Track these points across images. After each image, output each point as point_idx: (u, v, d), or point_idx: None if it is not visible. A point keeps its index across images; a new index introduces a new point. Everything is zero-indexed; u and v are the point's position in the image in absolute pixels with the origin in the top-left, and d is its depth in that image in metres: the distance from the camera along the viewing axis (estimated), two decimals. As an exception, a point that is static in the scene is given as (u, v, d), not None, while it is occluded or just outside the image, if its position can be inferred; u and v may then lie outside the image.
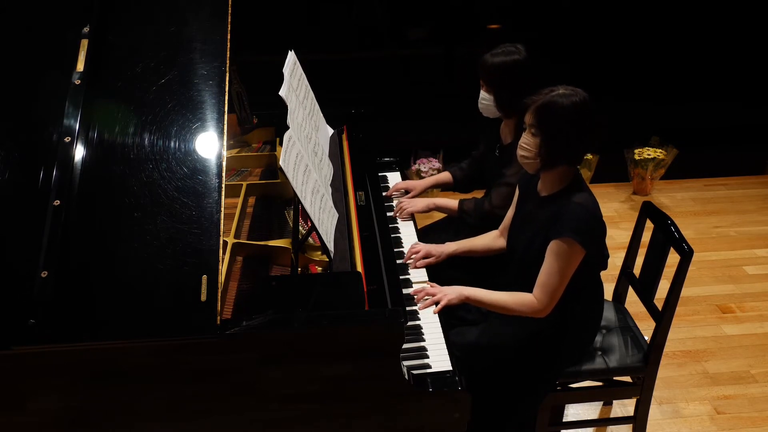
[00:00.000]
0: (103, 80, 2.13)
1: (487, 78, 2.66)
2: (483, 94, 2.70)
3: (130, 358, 1.81)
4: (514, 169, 2.56)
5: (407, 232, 2.74)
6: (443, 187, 3.11)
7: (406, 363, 1.99)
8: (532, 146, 2.18)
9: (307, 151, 2.35)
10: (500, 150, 2.76)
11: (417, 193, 2.97)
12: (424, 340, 2.17)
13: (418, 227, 2.80)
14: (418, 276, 2.47)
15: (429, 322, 2.24)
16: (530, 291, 2.23)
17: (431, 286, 2.33)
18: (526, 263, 2.26)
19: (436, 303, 2.26)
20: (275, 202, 2.62)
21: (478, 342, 2.36)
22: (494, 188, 2.71)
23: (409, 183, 3.00)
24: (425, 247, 2.53)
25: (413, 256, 2.52)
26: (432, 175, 4.35)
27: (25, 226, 1.91)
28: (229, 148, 2.84)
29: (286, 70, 2.46)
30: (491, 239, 2.56)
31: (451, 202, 2.83)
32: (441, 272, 2.54)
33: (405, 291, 2.34)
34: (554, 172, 2.21)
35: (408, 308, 2.25)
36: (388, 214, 2.80)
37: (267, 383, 1.86)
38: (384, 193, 2.93)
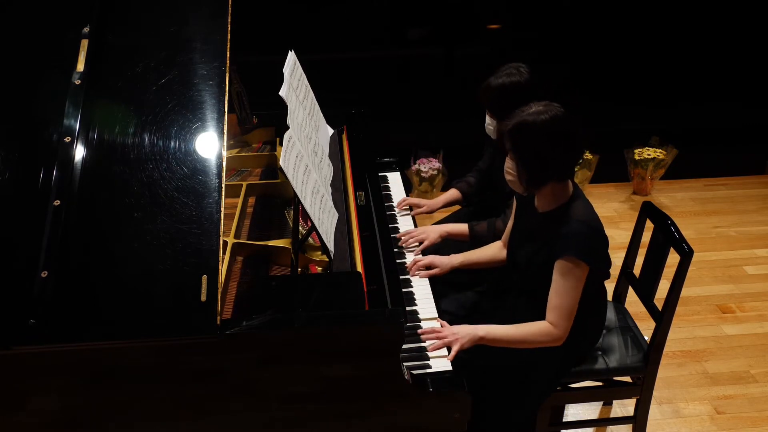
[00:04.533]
0: (103, 80, 2.13)
1: (487, 101, 2.62)
2: (488, 118, 2.67)
3: (130, 358, 1.81)
4: None
5: (407, 232, 2.73)
6: (454, 203, 3.06)
7: (406, 363, 1.99)
8: (513, 169, 2.15)
9: (307, 151, 2.35)
10: None
11: (429, 212, 2.90)
12: (424, 341, 2.16)
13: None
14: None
15: (429, 322, 2.24)
16: (536, 304, 2.20)
17: (441, 327, 2.20)
18: (529, 277, 2.25)
19: (449, 347, 2.13)
20: (275, 202, 2.62)
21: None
22: (509, 208, 2.67)
23: (420, 201, 2.91)
24: (429, 257, 2.48)
25: (418, 264, 2.46)
26: (431, 175, 4.36)
27: (25, 226, 1.91)
28: (229, 148, 2.84)
29: (286, 70, 2.46)
30: (497, 250, 2.52)
31: (462, 227, 2.73)
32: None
33: (405, 291, 2.34)
34: (546, 190, 2.18)
35: (408, 308, 2.25)
36: (388, 213, 2.80)
37: (267, 383, 1.86)
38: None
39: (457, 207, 3.16)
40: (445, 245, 2.76)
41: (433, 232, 2.67)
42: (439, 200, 3.00)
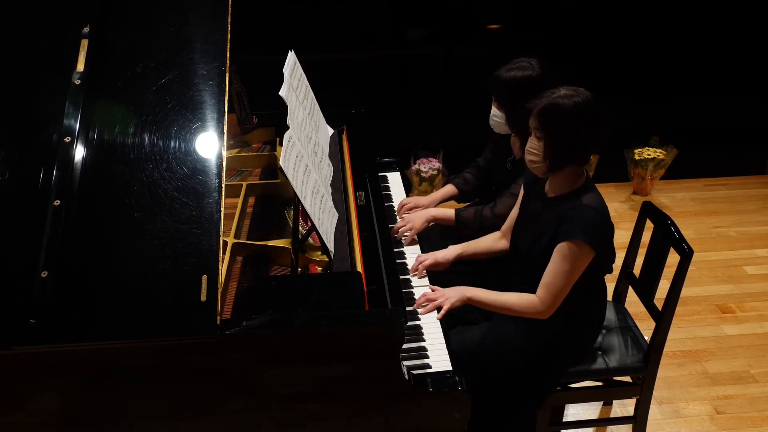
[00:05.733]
0: (103, 80, 2.13)
1: (499, 93, 2.62)
2: (494, 110, 2.67)
3: (130, 358, 1.81)
4: (522, 180, 2.54)
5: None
6: (449, 199, 3.08)
7: (406, 363, 1.99)
8: (538, 150, 2.16)
9: (307, 151, 2.35)
10: (513, 163, 2.72)
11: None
12: (424, 340, 2.17)
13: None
14: (419, 280, 2.45)
15: (429, 322, 2.24)
16: (535, 291, 2.22)
17: (432, 290, 2.32)
18: (531, 263, 2.26)
19: (438, 308, 2.25)
20: (275, 202, 2.62)
21: (480, 342, 2.35)
22: (500, 198, 2.67)
23: (417, 200, 2.92)
24: (431, 256, 2.49)
25: (423, 264, 2.47)
26: (431, 175, 4.36)
27: (25, 226, 1.91)
28: (229, 148, 2.84)
29: (286, 70, 2.46)
30: (493, 240, 2.54)
31: (449, 212, 2.77)
32: (443, 273, 2.53)
33: (405, 291, 2.34)
34: (563, 173, 2.20)
35: (408, 308, 2.25)
36: (388, 213, 2.80)
37: (267, 383, 1.86)
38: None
39: (456, 206, 3.16)
40: (438, 236, 2.78)
41: (418, 218, 2.71)
42: (436, 196, 3.00)
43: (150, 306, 1.82)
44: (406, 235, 2.68)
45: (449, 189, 3.03)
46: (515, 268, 2.39)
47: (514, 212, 2.47)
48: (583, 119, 2.11)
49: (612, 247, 2.23)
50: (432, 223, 2.74)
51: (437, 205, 2.98)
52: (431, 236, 2.92)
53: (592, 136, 2.14)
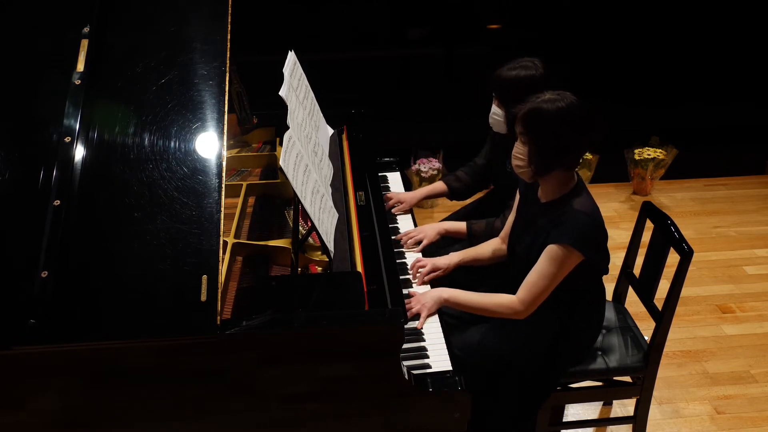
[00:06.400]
0: (103, 80, 2.13)
1: (499, 92, 2.61)
2: (494, 108, 2.66)
3: (130, 358, 1.81)
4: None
5: (407, 232, 2.73)
6: (438, 196, 3.07)
7: (406, 363, 1.99)
8: (523, 154, 2.17)
9: (307, 151, 2.35)
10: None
11: (410, 206, 2.91)
12: (424, 340, 2.17)
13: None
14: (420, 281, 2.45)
15: (429, 322, 2.24)
16: None
17: (408, 299, 2.29)
18: (528, 267, 2.26)
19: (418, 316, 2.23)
20: (275, 202, 2.62)
21: (480, 342, 2.35)
22: (509, 209, 2.64)
23: (400, 195, 2.92)
24: (430, 261, 2.48)
25: (419, 271, 2.46)
26: (431, 175, 4.36)
27: (25, 226, 1.91)
28: (229, 148, 2.84)
29: (286, 70, 2.46)
30: (494, 246, 2.54)
31: (461, 224, 2.75)
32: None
33: (405, 291, 2.34)
34: (552, 178, 2.20)
35: (408, 308, 2.25)
36: (388, 213, 2.80)
37: (267, 383, 1.86)
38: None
39: (457, 206, 3.16)
40: (444, 244, 2.77)
41: (431, 230, 2.69)
42: (419, 193, 2.98)
43: (150, 306, 1.82)
44: (415, 246, 2.65)
45: (437, 186, 3.02)
46: (513, 272, 2.39)
47: (512, 217, 2.47)
48: (567, 123, 2.10)
49: (605, 249, 2.23)
50: (444, 235, 2.71)
51: (422, 200, 2.97)
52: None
53: (576, 141, 2.13)
